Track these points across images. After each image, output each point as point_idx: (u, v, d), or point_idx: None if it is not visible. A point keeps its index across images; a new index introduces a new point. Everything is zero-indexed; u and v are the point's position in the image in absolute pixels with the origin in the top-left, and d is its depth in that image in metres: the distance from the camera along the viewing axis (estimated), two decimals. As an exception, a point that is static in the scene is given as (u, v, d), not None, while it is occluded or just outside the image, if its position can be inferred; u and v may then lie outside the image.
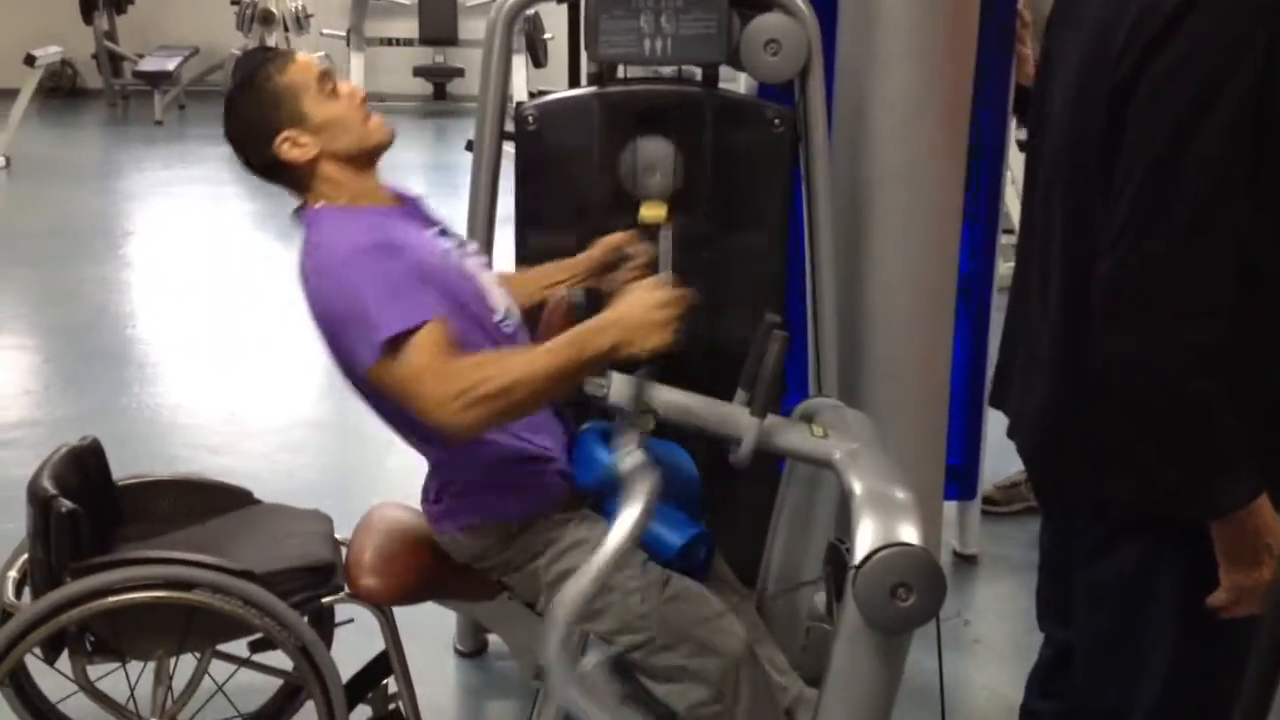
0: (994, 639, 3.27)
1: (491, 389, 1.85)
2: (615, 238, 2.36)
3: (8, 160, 8.55)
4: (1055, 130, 1.77)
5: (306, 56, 2.18)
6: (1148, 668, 1.75)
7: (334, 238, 2.02)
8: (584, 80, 2.96)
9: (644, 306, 1.91)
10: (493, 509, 2.13)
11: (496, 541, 2.14)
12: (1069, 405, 1.76)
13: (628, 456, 1.87)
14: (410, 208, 2.21)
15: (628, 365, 1.95)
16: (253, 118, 2.11)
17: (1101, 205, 1.61)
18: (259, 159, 2.13)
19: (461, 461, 2.12)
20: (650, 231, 2.56)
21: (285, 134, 2.08)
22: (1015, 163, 4.33)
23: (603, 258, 2.34)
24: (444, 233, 2.21)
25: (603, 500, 2.16)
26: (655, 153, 2.62)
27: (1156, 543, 1.71)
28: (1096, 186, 1.63)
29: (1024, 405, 1.89)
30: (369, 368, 1.93)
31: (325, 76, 2.14)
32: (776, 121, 2.69)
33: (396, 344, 1.89)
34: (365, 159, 2.14)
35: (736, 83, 3.57)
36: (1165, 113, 1.53)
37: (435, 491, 2.17)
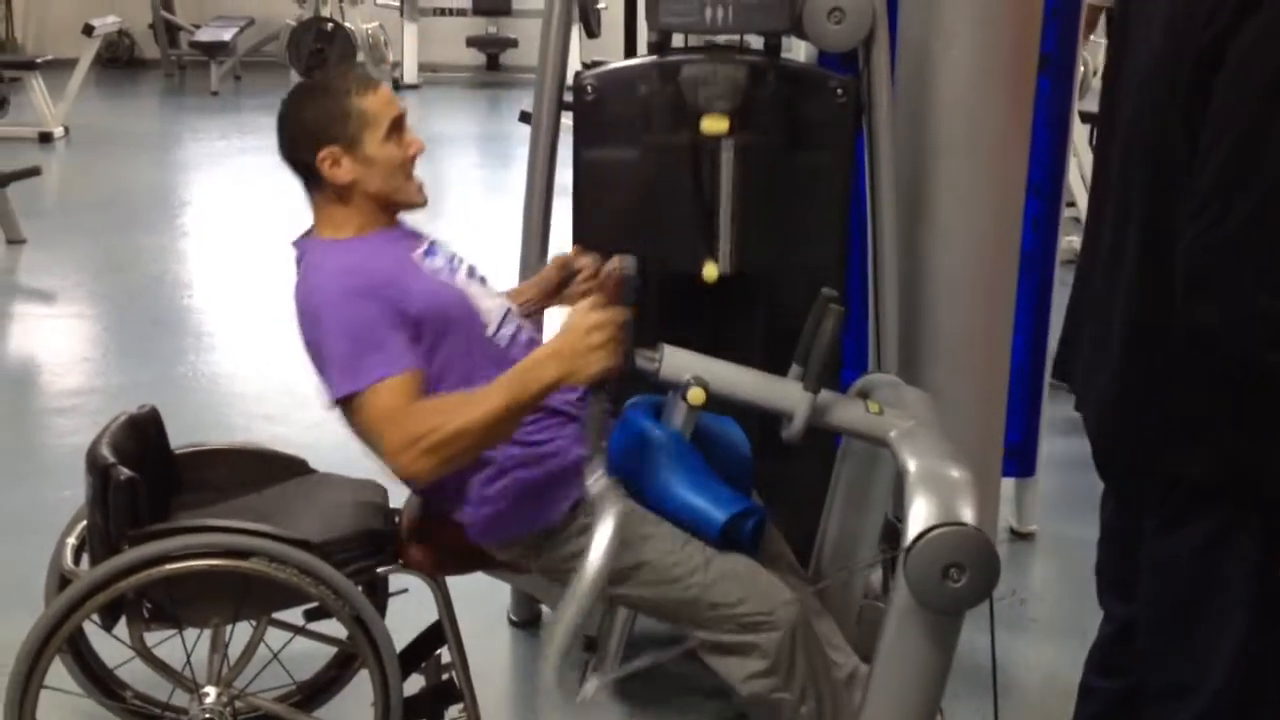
0: (1050, 618, 3.23)
1: (441, 436, 1.91)
2: (562, 255, 2.39)
3: (66, 130, 8.64)
4: (1134, 98, 1.72)
5: (391, 94, 2.20)
6: (1215, 645, 1.72)
7: (318, 276, 2.08)
8: (640, 50, 2.92)
9: (579, 333, 1.92)
10: (512, 526, 2.14)
11: (526, 551, 2.16)
12: (1144, 378, 1.72)
13: (596, 483, 1.89)
14: (399, 229, 2.23)
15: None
16: (312, 119, 2.13)
17: (1184, 176, 1.56)
18: (296, 154, 2.15)
19: (469, 483, 2.12)
20: (711, 143, 2.52)
21: (332, 150, 2.10)
22: (1077, 135, 4.27)
23: (556, 275, 2.38)
24: (431, 251, 2.22)
25: (632, 479, 2.14)
26: (718, 70, 2.55)
27: (1229, 517, 1.67)
28: (1180, 157, 1.58)
29: (1093, 378, 1.85)
30: (336, 405, 2.02)
31: (398, 122, 2.15)
32: (839, 91, 2.64)
33: (359, 394, 1.97)
34: (388, 208, 2.18)
35: (794, 52, 3.53)
36: (1255, 82, 1.49)
37: (459, 508, 2.17)
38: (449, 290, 2.15)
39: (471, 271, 2.26)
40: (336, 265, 2.08)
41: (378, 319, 2.00)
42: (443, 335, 2.07)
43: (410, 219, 2.27)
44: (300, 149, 2.13)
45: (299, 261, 2.17)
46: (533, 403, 1.96)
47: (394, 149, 2.14)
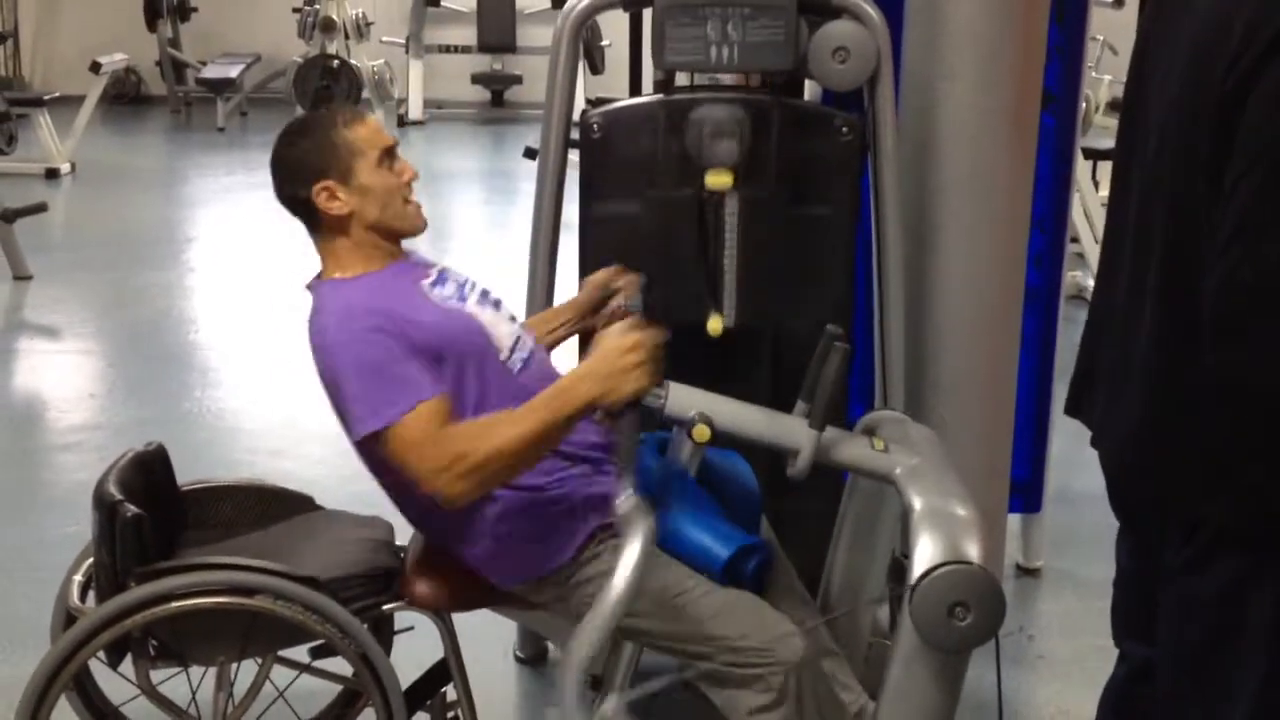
0: (1058, 654, 3.21)
1: (478, 459, 1.92)
2: (600, 275, 2.41)
3: (73, 166, 8.67)
4: (1155, 134, 1.69)
5: (379, 124, 2.23)
6: (1236, 687, 1.69)
7: (328, 318, 2.08)
8: (646, 88, 2.94)
9: (615, 353, 1.92)
10: (519, 566, 2.16)
11: (536, 587, 2.17)
12: (1168, 417, 1.69)
13: (626, 501, 1.88)
14: (406, 261, 2.25)
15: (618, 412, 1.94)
16: (305, 155, 2.16)
17: (1207, 214, 1.55)
18: (292, 192, 2.18)
19: (473, 529, 2.13)
20: (715, 199, 2.53)
21: (327, 183, 2.14)
22: (1080, 170, 4.28)
23: (592, 296, 2.39)
24: (440, 279, 2.23)
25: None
26: (723, 118, 2.53)
27: (1253, 559, 1.65)
28: (1201, 197, 1.56)
29: (1112, 416, 1.82)
30: (363, 441, 2.02)
31: (390, 152, 2.19)
32: (844, 130, 2.65)
33: (388, 429, 1.97)
34: (389, 237, 2.20)
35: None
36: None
37: (466, 547, 2.18)
38: (459, 318, 2.16)
39: (484, 296, 2.27)
40: (345, 305, 2.09)
41: (392, 353, 2.01)
42: (455, 363, 2.08)
43: (420, 248, 2.28)
44: (296, 186, 2.16)
45: (313, 300, 2.18)
46: (569, 423, 1.96)
47: (388, 176, 2.16)
